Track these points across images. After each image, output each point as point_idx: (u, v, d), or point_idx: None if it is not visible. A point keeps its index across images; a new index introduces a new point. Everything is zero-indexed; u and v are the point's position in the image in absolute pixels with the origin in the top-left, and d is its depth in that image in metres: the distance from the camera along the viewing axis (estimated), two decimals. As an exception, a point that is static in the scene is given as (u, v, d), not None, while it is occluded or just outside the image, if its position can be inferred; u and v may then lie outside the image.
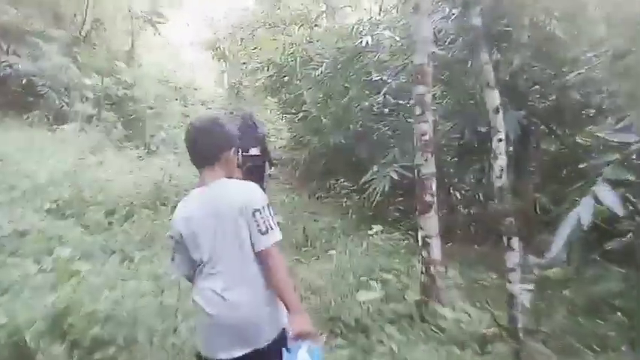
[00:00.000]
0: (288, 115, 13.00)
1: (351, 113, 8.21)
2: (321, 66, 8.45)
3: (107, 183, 6.81)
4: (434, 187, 3.98)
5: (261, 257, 1.85)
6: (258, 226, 1.82)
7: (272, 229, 1.85)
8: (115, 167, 8.08)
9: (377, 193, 5.81)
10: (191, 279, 1.99)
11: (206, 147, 1.90)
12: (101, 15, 12.26)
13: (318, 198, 8.85)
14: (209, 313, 1.85)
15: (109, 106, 10.54)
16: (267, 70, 11.62)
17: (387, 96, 7.20)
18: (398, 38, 6.83)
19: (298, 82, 10.53)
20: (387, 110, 7.57)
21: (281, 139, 14.92)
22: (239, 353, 1.84)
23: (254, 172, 6.42)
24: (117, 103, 10.71)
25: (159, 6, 14.89)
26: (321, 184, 9.32)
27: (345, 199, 7.64)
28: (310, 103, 9.41)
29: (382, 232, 5.52)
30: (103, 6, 12.38)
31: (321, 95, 9.03)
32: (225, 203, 1.84)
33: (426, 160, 3.97)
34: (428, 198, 3.97)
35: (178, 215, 1.93)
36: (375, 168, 6.49)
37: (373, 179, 6.15)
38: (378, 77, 7.38)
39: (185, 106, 14.45)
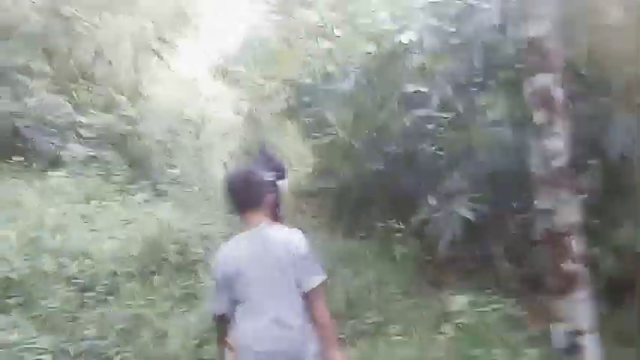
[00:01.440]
0: (311, 140, 11.48)
1: (388, 133, 6.59)
2: (347, 78, 6.88)
3: (92, 243, 5.24)
4: (579, 248, 2.28)
5: (309, 296, 2.02)
6: (306, 268, 2.01)
7: (318, 271, 2.06)
8: (111, 219, 6.55)
9: (445, 241, 4.11)
10: (229, 318, 2.07)
11: (249, 193, 2.09)
12: (103, 47, 10.99)
13: (354, 238, 7.16)
14: (257, 351, 1.96)
15: (111, 145, 9.10)
16: (285, 91, 10.18)
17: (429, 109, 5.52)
18: (452, 29, 5.15)
19: (320, 101, 9.02)
20: (431, 126, 5.90)
21: (306, 166, 13.38)
22: None
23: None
24: (119, 141, 9.27)
25: (168, 37, 13.76)
26: (356, 221, 7.63)
27: (393, 243, 5.93)
28: (337, 125, 7.85)
29: (469, 303, 3.57)
30: (104, 37, 11.11)
31: (349, 115, 7.44)
32: (275, 247, 1.99)
33: (559, 200, 2.28)
34: (570, 266, 2.27)
35: (224, 256, 2.07)
36: (432, 201, 4.81)
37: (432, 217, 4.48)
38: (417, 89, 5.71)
39: (198, 139, 13.03)
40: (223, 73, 15.75)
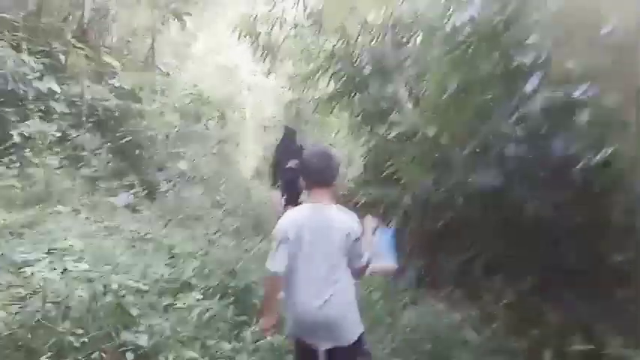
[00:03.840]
0: (365, 135, 8.60)
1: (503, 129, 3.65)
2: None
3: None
4: None
5: (357, 270, 2.23)
6: (357, 250, 2.16)
7: (364, 254, 2.20)
8: (46, 241, 3.85)
9: None
10: (281, 275, 2.12)
11: (332, 170, 2.20)
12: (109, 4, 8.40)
13: (433, 297, 4.29)
14: (301, 311, 2.11)
15: (92, 125, 6.48)
16: (333, 68, 7.36)
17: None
18: None
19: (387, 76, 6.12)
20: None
21: (355, 169, 10.50)
22: (327, 346, 2.09)
23: (293, 186, 5.95)
24: (104, 121, 6.65)
25: None
26: (438, 262, 4.68)
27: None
28: (414, 112, 4.98)
29: None
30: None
31: (437, 93, 4.51)
32: (336, 225, 2.11)
33: None
34: None
35: (288, 222, 2.16)
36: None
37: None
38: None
39: (222, 129, 10.33)
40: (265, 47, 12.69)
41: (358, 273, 2.24)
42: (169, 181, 6.71)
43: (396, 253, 2.72)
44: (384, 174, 7.34)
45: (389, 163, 6.78)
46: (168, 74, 10.05)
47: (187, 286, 3.57)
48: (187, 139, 8.09)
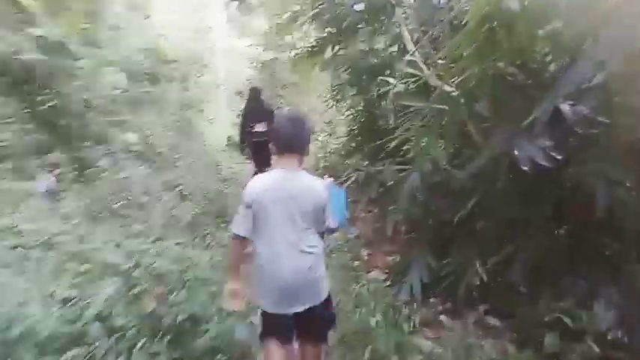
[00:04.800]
0: (349, 98, 7.24)
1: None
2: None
3: None
4: None
5: (321, 234, 2.19)
6: (325, 215, 2.13)
7: (330, 221, 2.18)
8: None
9: None
10: (248, 241, 2.11)
11: (303, 137, 2.13)
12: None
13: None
14: (272, 276, 2.06)
15: (6, 85, 4.97)
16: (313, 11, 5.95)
17: None
18: None
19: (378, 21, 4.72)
20: None
21: (335, 137, 9.14)
22: (302, 308, 2.08)
23: (261, 149, 6.14)
24: (22, 80, 5.13)
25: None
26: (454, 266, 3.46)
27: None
28: (423, 61, 3.62)
29: None
30: None
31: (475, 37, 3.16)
32: (305, 192, 2.07)
33: None
34: None
35: (256, 186, 2.08)
36: None
37: None
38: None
39: (187, 91, 8.76)
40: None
41: (322, 236, 2.22)
42: (111, 158, 5.29)
43: (346, 212, 2.60)
44: (378, 145, 6.08)
45: (383, 130, 5.52)
46: (118, 28, 8.40)
47: (88, 333, 2.29)
48: (137, 104, 6.61)
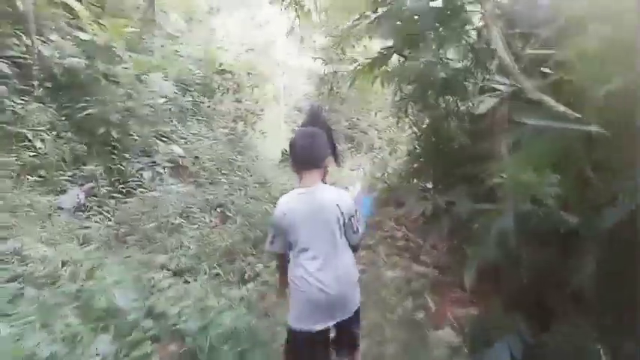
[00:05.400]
0: (413, 115, 6.44)
1: None
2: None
3: None
4: None
5: (356, 245, 2.20)
6: (352, 227, 2.11)
7: (360, 229, 2.16)
8: None
9: None
10: (283, 257, 2.17)
11: (317, 152, 2.12)
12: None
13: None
14: (304, 291, 2.04)
15: (46, 90, 4.63)
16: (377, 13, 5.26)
17: None
18: None
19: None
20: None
21: (395, 156, 8.33)
22: (330, 324, 2.07)
23: None
24: (63, 85, 4.78)
25: None
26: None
27: None
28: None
29: None
30: None
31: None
32: (328, 205, 2.04)
33: None
34: None
35: (281, 207, 2.06)
36: None
37: None
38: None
39: (240, 102, 8.28)
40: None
41: (356, 246, 2.23)
42: (151, 172, 4.80)
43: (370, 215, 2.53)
44: (445, 169, 5.24)
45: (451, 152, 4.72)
46: (173, 37, 8.10)
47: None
48: (185, 114, 6.17)
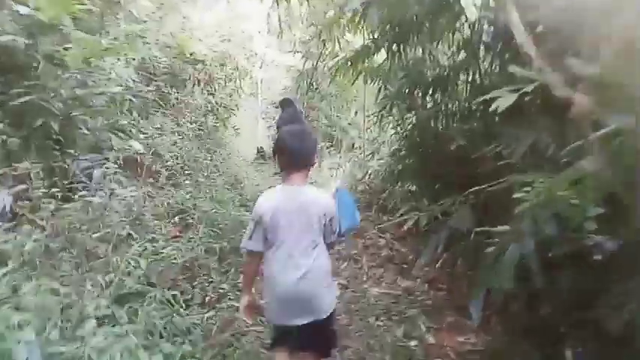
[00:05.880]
0: (397, 115, 5.88)
1: None
2: None
3: None
4: None
5: (332, 244, 2.22)
6: (332, 227, 2.14)
7: (338, 229, 2.19)
8: None
9: None
10: (261, 255, 2.15)
11: (307, 152, 2.13)
12: None
13: None
14: (280, 288, 2.07)
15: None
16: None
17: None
18: None
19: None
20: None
21: (378, 157, 7.77)
22: (304, 321, 2.08)
23: None
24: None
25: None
26: None
27: None
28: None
29: None
30: None
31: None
32: (311, 204, 2.07)
33: None
34: None
35: (264, 202, 2.09)
36: None
37: None
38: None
39: (212, 95, 7.57)
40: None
41: (332, 246, 2.24)
42: (100, 171, 4.10)
43: (357, 211, 2.44)
44: (434, 174, 4.74)
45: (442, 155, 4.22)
46: (144, 22, 7.32)
47: None
48: (148, 106, 5.47)
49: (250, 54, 13.00)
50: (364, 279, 4.38)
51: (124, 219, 3.50)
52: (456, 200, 3.36)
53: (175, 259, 3.31)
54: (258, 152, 11.92)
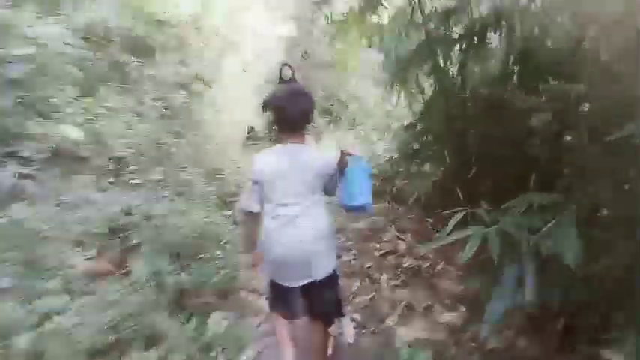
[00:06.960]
0: (411, 81, 4.58)
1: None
2: None
3: None
4: None
5: (330, 193, 2.03)
6: (332, 183, 1.97)
7: (337, 186, 1.99)
8: None
9: None
10: (259, 216, 2.02)
11: (305, 115, 1.96)
12: None
13: None
14: (275, 247, 1.95)
15: None
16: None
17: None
18: None
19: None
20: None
21: (387, 134, 6.47)
22: (302, 282, 1.98)
23: None
24: None
25: None
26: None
27: None
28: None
29: None
30: None
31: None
32: (309, 163, 1.94)
33: None
34: None
35: (262, 161, 1.99)
36: None
37: None
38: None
39: (186, 67, 6.20)
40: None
41: (334, 194, 2.03)
42: (15, 167, 2.83)
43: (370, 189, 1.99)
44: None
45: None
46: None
47: None
48: (98, 80, 4.14)
49: (238, 25, 11.55)
50: (384, 310, 3.14)
51: (21, 245, 2.22)
52: (548, 204, 2.06)
53: (83, 331, 2.02)
54: (248, 133, 10.58)
